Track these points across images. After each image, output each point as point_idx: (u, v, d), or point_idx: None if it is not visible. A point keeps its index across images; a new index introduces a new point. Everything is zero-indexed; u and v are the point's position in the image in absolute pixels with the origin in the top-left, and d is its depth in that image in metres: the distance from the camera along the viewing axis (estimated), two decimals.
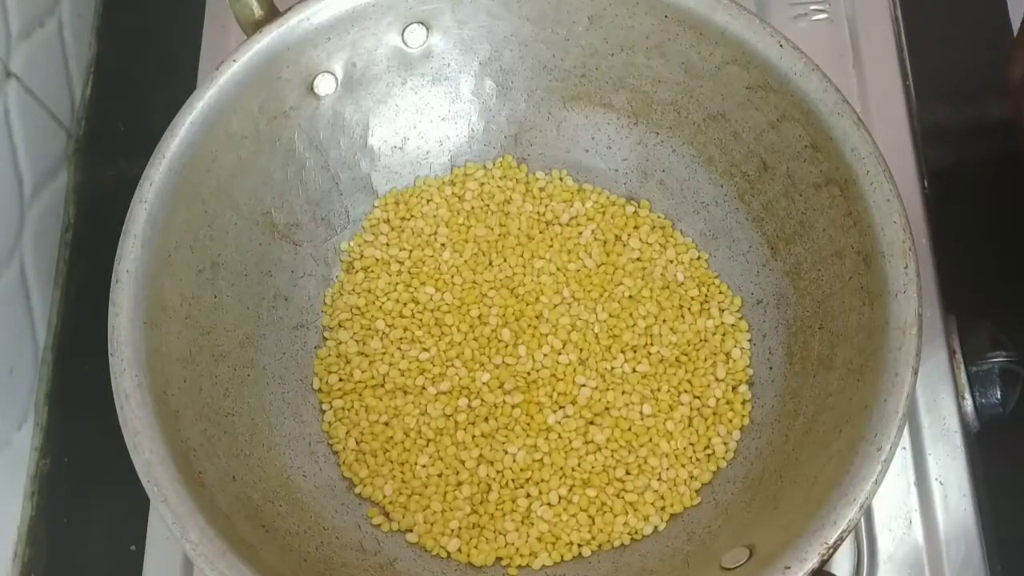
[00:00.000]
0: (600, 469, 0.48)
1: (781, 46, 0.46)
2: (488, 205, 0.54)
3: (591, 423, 0.49)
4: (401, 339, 0.51)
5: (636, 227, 0.53)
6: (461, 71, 0.53)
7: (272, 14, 0.47)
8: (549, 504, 0.48)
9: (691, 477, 0.48)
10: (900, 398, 0.40)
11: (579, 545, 0.47)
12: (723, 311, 0.51)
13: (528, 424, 0.49)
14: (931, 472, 0.48)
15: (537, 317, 0.51)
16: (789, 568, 0.38)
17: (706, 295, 0.52)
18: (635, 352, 0.51)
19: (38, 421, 0.54)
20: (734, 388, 0.50)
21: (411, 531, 0.47)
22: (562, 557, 0.47)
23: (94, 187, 0.59)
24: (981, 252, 0.54)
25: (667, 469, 0.48)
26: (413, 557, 0.47)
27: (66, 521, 0.52)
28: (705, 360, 0.50)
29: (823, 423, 0.44)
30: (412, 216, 0.54)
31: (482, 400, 0.50)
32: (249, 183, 0.49)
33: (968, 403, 0.49)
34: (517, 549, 0.47)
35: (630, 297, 0.52)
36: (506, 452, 0.49)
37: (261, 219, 0.50)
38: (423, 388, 0.50)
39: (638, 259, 0.53)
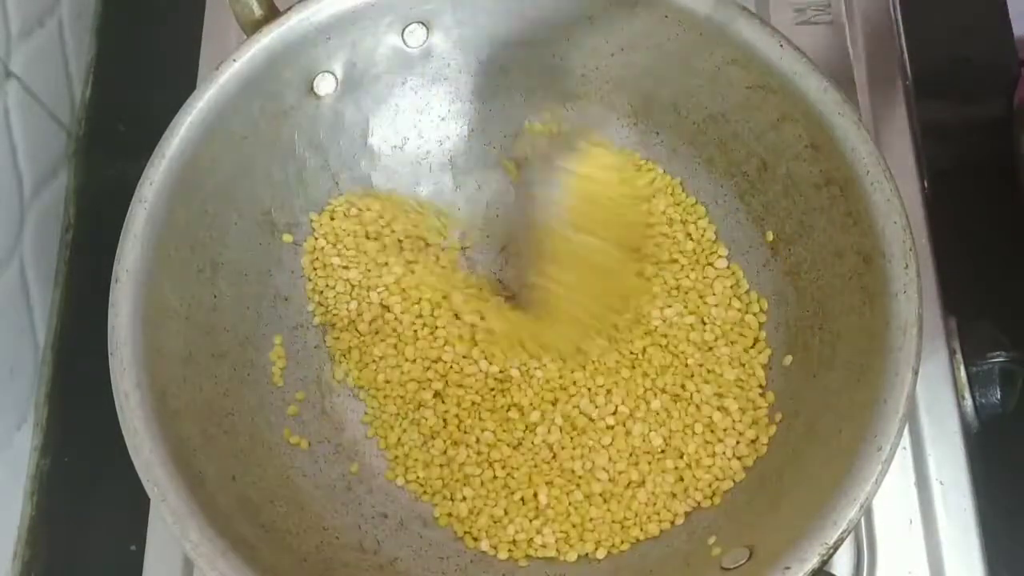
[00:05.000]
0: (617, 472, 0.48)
1: (781, 46, 0.46)
2: None
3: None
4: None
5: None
6: (461, 71, 0.53)
7: (272, 14, 0.47)
8: (559, 499, 0.48)
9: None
10: (900, 398, 0.40)
11: (592, 543, 0.47)
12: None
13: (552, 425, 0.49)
14: (931, 472, 0.48)
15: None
16: (789, 568, 0.38)
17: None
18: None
19: (38, 421, 0.54)
20: None
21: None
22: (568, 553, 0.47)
23: (94, 187, 0.59)
24: (981, 252, 0.54)
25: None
26: (413, 556, 0.47)
27: (66, 521, 0.52)
28: None
29: (823, 423, 0.44)
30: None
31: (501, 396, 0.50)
32: (249, 183, 0.49)
33: (968, 403, 0.49)
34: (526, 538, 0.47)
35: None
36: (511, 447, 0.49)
37: (261, 219, 0.50)
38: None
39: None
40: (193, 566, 0.48)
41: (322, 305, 0.52)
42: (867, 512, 0.47)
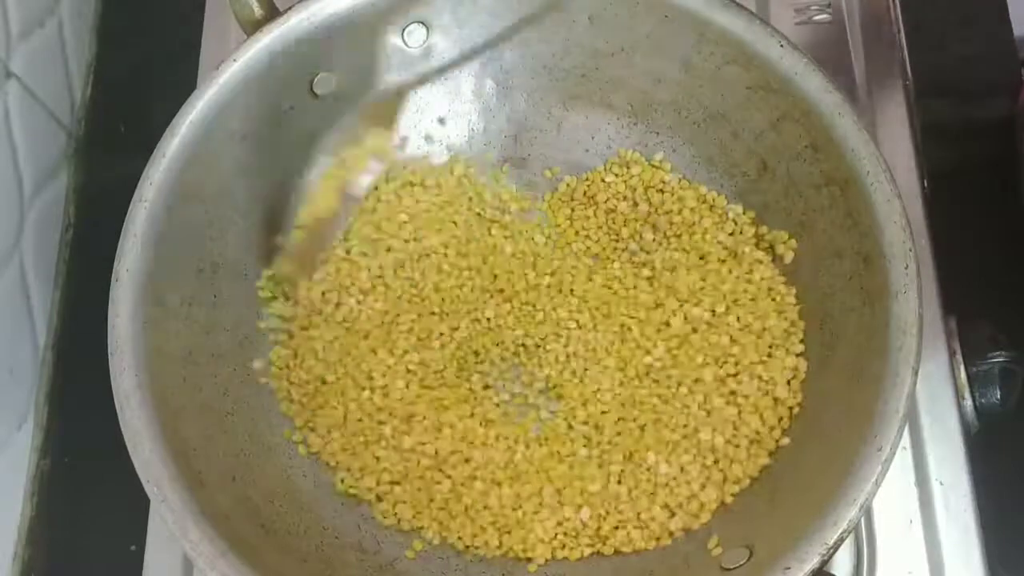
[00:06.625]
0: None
1: (782, 46, 0.46)
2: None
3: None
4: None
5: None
6: (461, 71, 0.53)
7: (272, 13, 0.47)
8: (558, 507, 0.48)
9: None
10: (900, 398, 0.40)
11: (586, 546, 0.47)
12: None
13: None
14: (931, 472, 0.48)
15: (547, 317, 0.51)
16: (789, 568, 0.38)
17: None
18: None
19: (38, 421, 0.54)
20: None
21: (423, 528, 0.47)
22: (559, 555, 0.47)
23: (94, 187, 0.59)
24: (981, 252, 0.54)
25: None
26: (413, 557, 0.47)
27: (66, 521, 0.52)
28: None
29: (823, 423, 0.44)
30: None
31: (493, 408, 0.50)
32: (249, 183, 0.49)
33: (968, 403, 0.49)
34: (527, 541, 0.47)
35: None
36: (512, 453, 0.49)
37: (261, 219, 0.50)
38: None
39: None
40: (193, 566, 0.48)
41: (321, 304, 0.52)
42: (867, 512, 0.47)
